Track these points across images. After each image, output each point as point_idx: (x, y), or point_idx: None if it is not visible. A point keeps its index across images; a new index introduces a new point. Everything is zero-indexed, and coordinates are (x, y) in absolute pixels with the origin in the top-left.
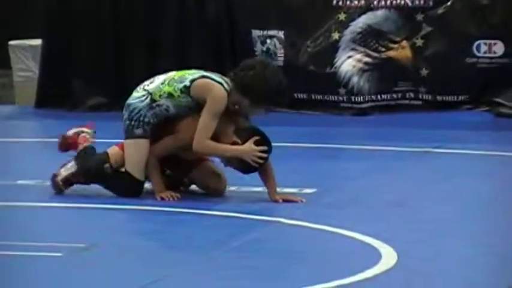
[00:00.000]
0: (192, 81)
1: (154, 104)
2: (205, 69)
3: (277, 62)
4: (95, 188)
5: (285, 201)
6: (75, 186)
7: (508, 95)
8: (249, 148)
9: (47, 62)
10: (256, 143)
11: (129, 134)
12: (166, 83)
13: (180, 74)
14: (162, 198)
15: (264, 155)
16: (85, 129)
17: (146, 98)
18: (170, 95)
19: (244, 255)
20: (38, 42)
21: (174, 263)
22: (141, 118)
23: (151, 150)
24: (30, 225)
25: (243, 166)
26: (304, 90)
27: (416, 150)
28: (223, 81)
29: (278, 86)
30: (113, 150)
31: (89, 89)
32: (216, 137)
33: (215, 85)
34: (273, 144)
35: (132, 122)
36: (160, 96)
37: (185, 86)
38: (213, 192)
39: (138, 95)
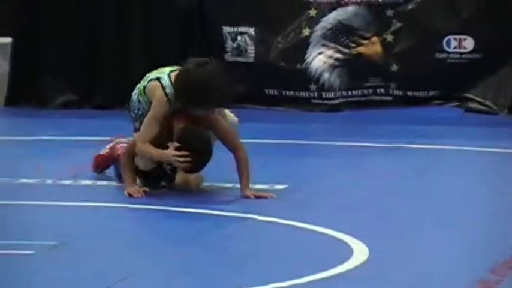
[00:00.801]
0: (149, 81)
1: (139, 98)
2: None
3: (248, 59)
4: (67, 186)
5: (256, 197)
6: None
7: (478, 90)
8: (169, 153)
9: (17, 60)
10: (180, 148)
11: (134, 127)
12: (143, 80)
13: (153, 73)
14: (130, 195)
15: (184, 159)
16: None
17: (136, 93)
18: (139, 93)
19: (215, 251)
20: (7, 40)
21: (145, 260)
22: (136, 111)
23: (127, 148)
24: (1, 223)
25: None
26: (275, 86)
27: (388, 146)
28: (168, 86)
29: (202, 92)
30: None
31: (58, 86)
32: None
33: (158, 90)
34: (245, 140)
35: (133, 115)
36: (138, 94)
37: (144, 86)
38: (183, 187)
39: (137, 87)
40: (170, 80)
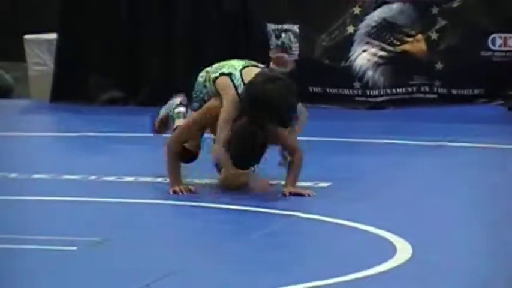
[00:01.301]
0: (221, 74)
1: (206, 84)
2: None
3: (292, 56)
4: (110, 182)
5: (293, 194)
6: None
7: None
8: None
9: (62, 56)
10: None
11: (191, 106)
12: (213, 68)
13: (223, 64)
14: (175, 192)
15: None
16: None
17: (204, 77)
18: (208, 79)
19: (260, 248)
20: (53, 36)
21: (189, 257)
22: (199, 94)
23: (174, 141)
24: (45, 219)
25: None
26: (319, 84)
27: (431, 144)
28: (239, 86)
29: (269, 109)
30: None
31: (104, 82)
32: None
33: (231, 90)
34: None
35: (194, 95)
36: (207, 79)
37: (215, 77)
38: (231, 183)
39: (205, 69)
40: (242, 79)
